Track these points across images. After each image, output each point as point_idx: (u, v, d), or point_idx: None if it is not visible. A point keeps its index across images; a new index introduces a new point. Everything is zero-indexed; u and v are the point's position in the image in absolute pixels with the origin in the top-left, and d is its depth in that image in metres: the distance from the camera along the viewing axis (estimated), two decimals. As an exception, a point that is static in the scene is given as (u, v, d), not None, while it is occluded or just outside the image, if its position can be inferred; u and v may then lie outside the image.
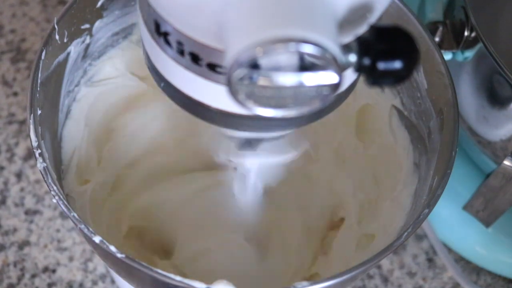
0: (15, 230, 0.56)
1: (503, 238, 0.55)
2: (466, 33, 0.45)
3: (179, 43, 0.27)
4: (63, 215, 0.57)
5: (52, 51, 0.41)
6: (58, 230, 0.56)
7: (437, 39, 0.47)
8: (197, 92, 0.29)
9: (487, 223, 0.52)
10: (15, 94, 0.62)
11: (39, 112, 0.39)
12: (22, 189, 0.58)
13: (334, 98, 0.27)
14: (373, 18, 0.27)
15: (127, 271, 0.37)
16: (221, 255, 0.47)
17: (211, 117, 0.30)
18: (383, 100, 0.47)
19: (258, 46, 0.23)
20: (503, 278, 0.57)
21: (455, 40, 0.46)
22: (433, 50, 0.42)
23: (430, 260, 0.57)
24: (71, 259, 0.55)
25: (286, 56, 0.24)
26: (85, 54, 0.46)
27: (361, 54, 0.26)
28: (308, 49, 0.23)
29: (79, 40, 0.44)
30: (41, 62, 0.40)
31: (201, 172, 0.50)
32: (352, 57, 0.26)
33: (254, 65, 0.24)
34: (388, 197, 0.46)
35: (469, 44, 0.45)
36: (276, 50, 0.23)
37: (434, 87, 0.43)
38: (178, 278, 0.34)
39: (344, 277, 0.35)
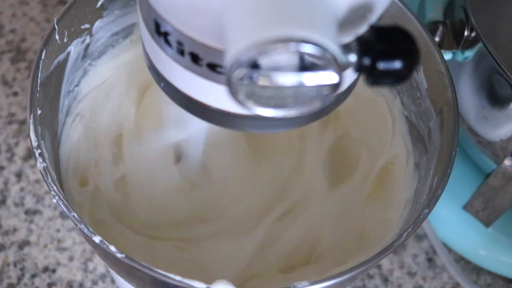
0: (15, 230, 0.56)
1: (503, 238, 0.55)
2: (466, 33, 0.45)
3: (179, 43, 0.27)
4: (63, 215, 0.57)
5: (52, 51, 0.41)
6: (58, 230, 0.56)
7: (437, 39, 0.47)
8: (197, 92, 0.29)
9: (487, 223, 0.52)
10: (15, 94, 0.62)
11: (39, 112, 0.39)
12: (22, 189, 0.58)
13: (334, 97, 0.27)
14: (373, 18, 0.27)
15: (127, 271, 0.37)
16: None
17: (211, 117, 0.30)
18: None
19: (258, 46, 0.23)
20: (503, 278, 0.57)
21: (455, 40, 0.46)
22: (433, 50, 0.42)
23: (430, 260, 0.57)
24: (71, 259, 0.55)
25: (286, 56, 0.24)
26: (85, 54, 0.46)
27: (361, 54, 0.26)
28: (308, 49, 0.23)
29: (79, 40, 0.44)
30: (41, 62, 0.40)
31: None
32: (352, 57, 0.26)
33: (254, 65, 0.24)
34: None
35: (469, 44, 0.45)
36: (276, 50, 0.23)
37: (434, 87, 0.43)
38: (178, 278, 0.34)
39: (344, 277, 0.35)
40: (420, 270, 0.57)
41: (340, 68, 0.24)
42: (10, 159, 0.59)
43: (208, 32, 0.26)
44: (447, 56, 0.46)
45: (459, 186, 0.55)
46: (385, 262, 0.57)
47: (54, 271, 0.54)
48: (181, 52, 0.28)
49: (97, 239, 0.35)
